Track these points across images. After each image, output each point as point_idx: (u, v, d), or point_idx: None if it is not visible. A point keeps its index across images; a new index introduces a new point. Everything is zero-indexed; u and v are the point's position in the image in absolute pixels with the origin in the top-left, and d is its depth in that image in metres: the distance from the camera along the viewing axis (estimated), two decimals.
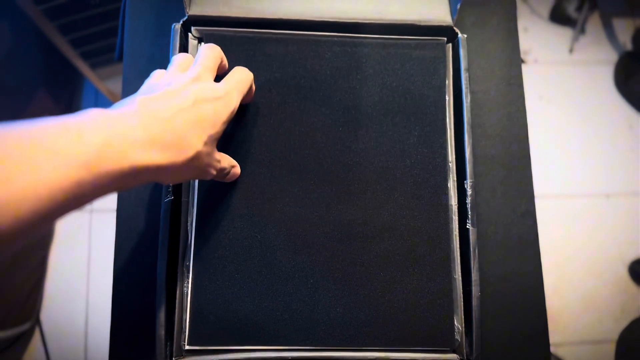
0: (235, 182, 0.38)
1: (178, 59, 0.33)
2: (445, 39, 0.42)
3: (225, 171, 0.35)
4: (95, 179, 0.22)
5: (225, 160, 0.34)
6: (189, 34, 0.40)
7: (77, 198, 0.22)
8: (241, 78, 0.34)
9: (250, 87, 0.36)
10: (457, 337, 0.37)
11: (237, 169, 0.37)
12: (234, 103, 0.32)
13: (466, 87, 0.40)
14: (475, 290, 0.36)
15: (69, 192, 0.21)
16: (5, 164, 0.20)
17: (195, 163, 0.29)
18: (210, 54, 0.33)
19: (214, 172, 0.32)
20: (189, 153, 0.27)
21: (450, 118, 0.40)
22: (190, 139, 0.27)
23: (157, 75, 0.31)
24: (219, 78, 0.33)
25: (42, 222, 0.21)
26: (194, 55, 0.39)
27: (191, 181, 0.38)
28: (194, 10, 0.40)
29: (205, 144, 0.29)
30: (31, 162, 0.20)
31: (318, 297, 0.37)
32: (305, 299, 0.37)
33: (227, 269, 0.37)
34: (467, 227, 0.37)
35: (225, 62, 0.35)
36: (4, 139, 0.20)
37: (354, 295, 0.37)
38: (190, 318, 0.36)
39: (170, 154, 0.26)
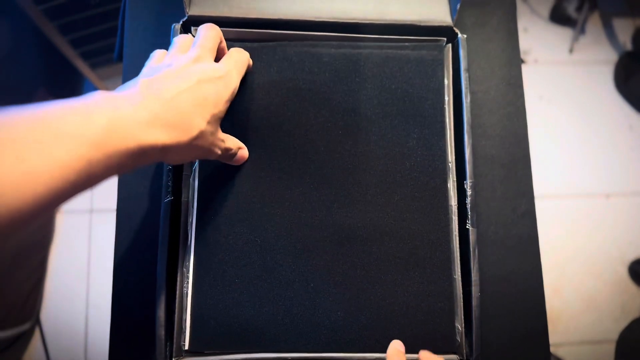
0: (235, 185, 0.38)
1: (179, 40, 0.33)
2: (445, 39, 0.42)
3: (232, 152, 0.35)
4: (105, 158, 0.23)
5: (230, 141, 0.35)
6: (189, 34, 0.40)
7: (89, 177, 0.23)
8: (239, 58, 0.34)
9: (248, 66, 0.37)
10: (457, 337, 0.37)
11: (245, 152, 0.37)
12: (234, 82, 0.32)
13: (466, 87, 0.40)
14: (475, 290, 0.36)
15: (81, 170, 0.22)
16: (18, 145, 0.20)
17: (200, 142, 0.29)
18: (210, 34, 0.33)
19: (219, 152, 0.33)
20: (193, 132, 0.28)
21: (450, 118, 0.40)
22: (194, 119, 0.28)
23: (157, 56, 0.32)
24: (217, 60, 0.34)
25: (56, 201, 0.22)
26: None
27: (191, 181, 0.38)
28: (194, 10, 0.40)
29: (209, 123, 0.29)
30: (42, 142, 0.21)
31: (319, 301, 0.37)
32: (306, 303, 0.37)
33: (228, 273, 0.37)
34: (467, 227, 0.37)
35: (224, 43, 0.36)
36: (14, 121, 0.21)
37: (354, 299, 0.37)
38: (191, 323, 0.36)
39: (175, 134, 0.27)
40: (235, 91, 0.32)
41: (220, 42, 0.35)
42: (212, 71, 0.30)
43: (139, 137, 0.24)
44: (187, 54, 0.31)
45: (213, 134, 0.30)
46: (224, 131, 0.34)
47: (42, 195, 0.21)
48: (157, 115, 0.26)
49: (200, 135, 0.29)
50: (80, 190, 0.23)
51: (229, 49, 0.36)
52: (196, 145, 0.29)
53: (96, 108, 0.24)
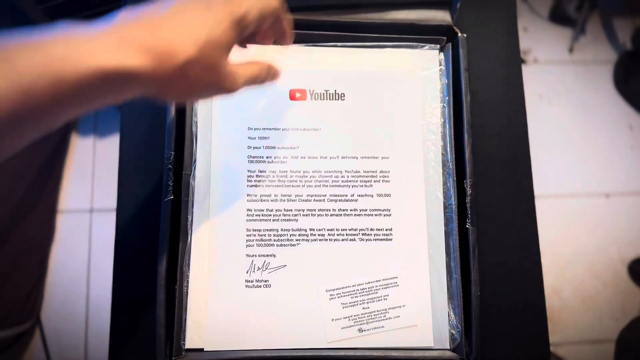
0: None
1: None
2: (445, 38, 0.42)
3: (260, 77, 0.31)
4: (51, 86, 0.20)
5: (251, 68, 0.30)
6: None
7: (32, 109, 0.20)
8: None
9: (277, 12, 0.30)
10: (457, 336, 0.37)
11: (274, 69, 0.32)
12: (243, 9, 0.27)
13: (466, 87, 0.40)
14: (475, 289, 0.37)
15: (17, 101, 0.20)
16: None
17: (194, 72, 0.25)
18: None
19: (236, 84, 0.28)
20: (178, 57, 0.24)
21: (450, 118, 0.40)
22: (179, 41, 0.24)
23: None
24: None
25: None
26: None
27: (191, 181, 0.38)
28: None
29: (203, 49, 0.25)
30: None
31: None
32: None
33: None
34: (467, 226, 0.37)
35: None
36: None
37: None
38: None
39: (153, 58, 0.23)
40: (246, 21, 0.27)
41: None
42: None
43: (98, 60, 0.21)
44: None
45: (215, 65, 0.26)
46: None
47: None
48: (127, 37, 0.22)
49: (192, 62, 0.24)
50: (24, 124, 0.21)
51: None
52: (192, 76, 0.25)
53: (50, 35, 0.21)
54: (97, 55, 0.21)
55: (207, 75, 0.26)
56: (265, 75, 0.31)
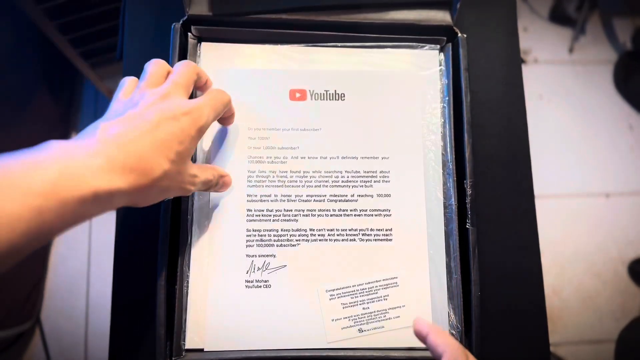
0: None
1: (150, 69, 0.32)
2: (445, 38, 0.42)
3: (212, 183, 0.34)
4: (57, 207, 0.23)
5: (207, 173, 0.33)
6: (189, 34, 0.40)
7: (40, 227, 0.22)
8: (215, 96, 0.33)
9: (227, 107, 0.35)
10: (457, 336, 0.37)
11: (228, 179, 0.36)
12: (204, 118, 0.31)
13: (466, 87, 0.40)
14: (475, 290, 0.37)
15: (30, 220, 0.22)
16: None
17: (165, 183, 0.28)
18: (184, 71, 0.32)
19: (194, 187, 0.32)
20: (154, 174, 0.27)
21: (450, 118, 0.40)
22: (155, 160, 0.27)
23: (126, 88, 0.31)
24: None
25: (8, 253, 0.21)
26: (193, 57, 0.39)
27: None
28: (194, 9, 0.40)
29: (173, 162, 0.28)
30: None
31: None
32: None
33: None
34: (467, 227, 0.37)
35: (206, 78, 0.35)
36: None
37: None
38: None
39: (134, 177, 0.26)
40: (206, 127, 0.31)
41: (200, 77, 0.34)
42: (178, 108, 0.29)
43: (92, 184, 0.24)
44: (156, 90, 0.30)
45: (181, 172, 0.30)
46: None
47: None
48: (113, 160, 0.25)
49: (165, 175, 0.28)
50: (35, 240, 0.22)
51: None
52: (162, 187, 0.28)
53: (47, 158, 0.23)
54: (92, 179, 0.24)
55: (175, 182, 0.29)
56: (216, 183, 0.35)
